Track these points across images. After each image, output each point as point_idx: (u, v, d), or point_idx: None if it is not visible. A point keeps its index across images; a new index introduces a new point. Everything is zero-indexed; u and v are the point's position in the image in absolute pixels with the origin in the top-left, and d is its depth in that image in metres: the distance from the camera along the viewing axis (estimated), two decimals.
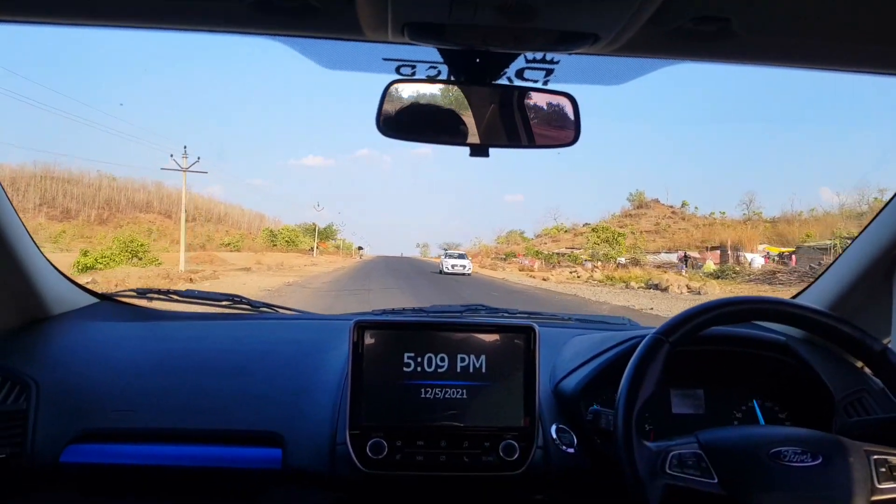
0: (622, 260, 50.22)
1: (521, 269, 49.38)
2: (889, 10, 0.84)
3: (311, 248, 63.40)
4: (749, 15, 0.85)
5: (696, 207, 75.57)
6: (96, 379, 1.38)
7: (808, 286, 1.63)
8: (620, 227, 65.89)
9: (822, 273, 1.58)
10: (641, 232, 67.39)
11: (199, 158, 36.10)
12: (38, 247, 1.46)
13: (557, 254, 62.65)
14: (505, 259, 64.21)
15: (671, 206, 77.45)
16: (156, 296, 1.77)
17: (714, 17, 0.85)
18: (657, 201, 79.15)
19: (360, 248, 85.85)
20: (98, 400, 1.33)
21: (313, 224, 72.20)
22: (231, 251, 50.88)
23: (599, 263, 48.90)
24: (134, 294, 1.77)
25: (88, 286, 1.78)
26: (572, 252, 62.10)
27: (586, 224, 76.72)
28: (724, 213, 71.62)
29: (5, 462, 1.23)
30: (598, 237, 56.82)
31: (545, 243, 74.92)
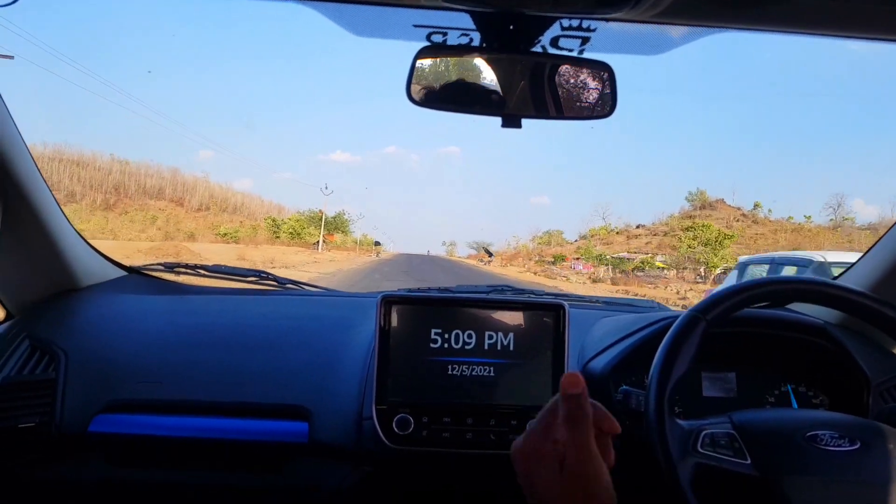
0: (720, 270, 38.29)
1: (601, 282, 35.08)
2: None
3: (317, 242, 52.87)
4: None
5: (769, 210, 65.20)
6: (124, 350, 1.39)
7: (849, 268, 1.57)
8: (683, 230, 55.74)
9: (863, 255, 1.52)
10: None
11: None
12: (68, 220, 1.48)
13: (623, 258, 50.39)
14: (554, 263, 51.38)
15: (739, 208, 66.82)
16: (183, 270, 1.78)
17: None
18: (722, 202, 68.12)
19: (377, 243, 69.56)
20: (126, 371, 1.34)
21: (319, 212, 59.34)
22: (227, 242, 45.55)
23: (690, 272, 39.67)
24: (162, 268, 1.78)
25: None
26: (647, 258, 49.99)
27: (640, 225, 68.17)
28: (809, 217, 62.67)
29: (34, 430, 1.25)
30: (694, 238, 45.29)
31: (594, 246, 63.11)
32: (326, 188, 64.41)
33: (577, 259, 52.83)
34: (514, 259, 58.18)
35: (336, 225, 62.28)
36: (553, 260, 53.77)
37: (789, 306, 1.55)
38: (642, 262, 47.69)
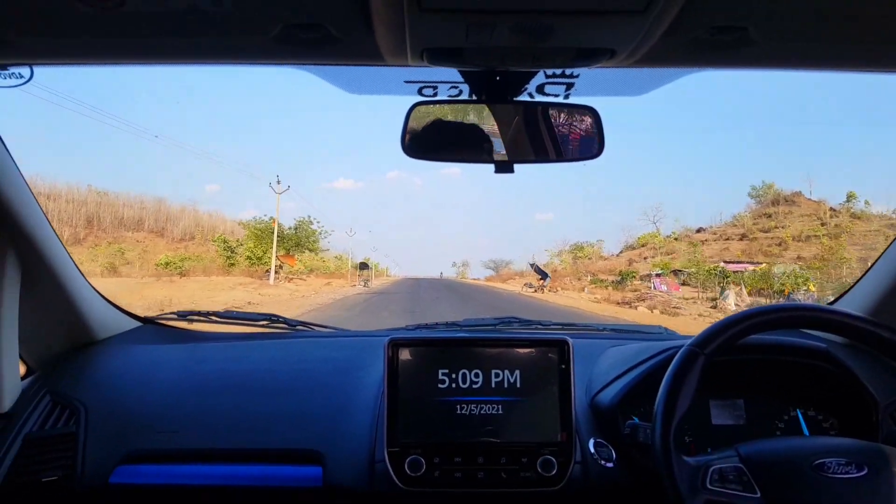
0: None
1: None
2: None
3: (272, 269, 34.76)
4: (766, 23, 0.85)
5: (866, 202, 46.16)
6: (141, 401, 1.43)
7: (847, 291, 1.58)
8: (764, 232, 46.63)
9: (861, 277, 1.54)
10: (805, 237, 43.44)
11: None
12: (82, 273, 1.53)
13: (723, 271, 35.32)
14: (622, 282, 38.06)
15: (821, 202, 49.89)
16: (196, 318, 1.83)
17: (731, 26, 0.85)
18: (800, 195, 52.39)
19: (362, 265, 48.18)
20: (143, 421, 1.38)
21: (271, 220, 37.91)
22: (169, 275, 33.18)
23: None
24: (175, 317, 1.83)
25: None
26: (763, 268, 34.64)
27: (701, 229, 54.70)
28: None
29: (57, 484, 1.28)
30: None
31: (643, 257, 51.25)
32: (279, 182, 37.14)
33: (658, 276, 39.03)
34: (559, 280, 43.64)
35: (298, 240, 40.41)
36: (620, 278, 39.92)
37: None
38: (762, 276, 32.95)
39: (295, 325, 1.87)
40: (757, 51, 0.93)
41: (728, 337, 1.08)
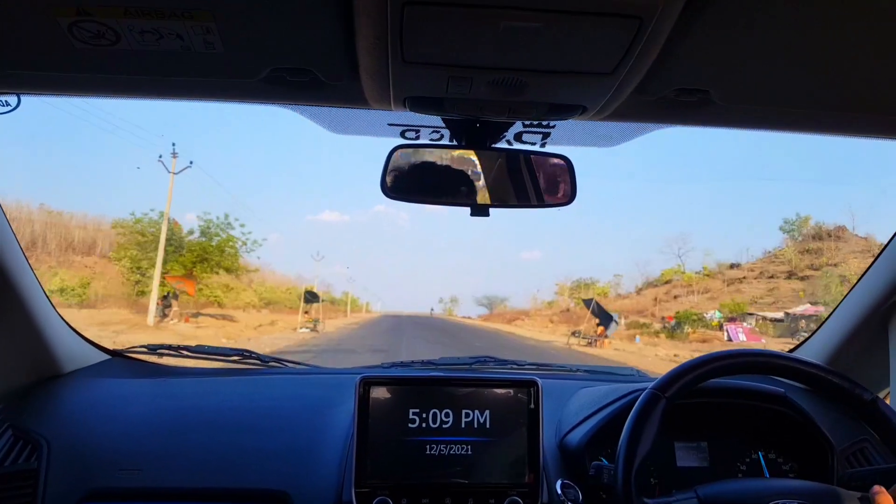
0: None
1: None
2: (854, 80, 0.90)
3: (166, 296, 23.48)
4: (725, 87, 0.92)
5: None
6: (106, 437, 1.39)
7: (807, 339, 1.64)
8: (814, 269, 42.08)
9: (820, 326, 1.59)
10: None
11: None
12: (51, 303, 1.50)
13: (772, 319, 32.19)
14: (678, 328, 33.42)
15: (868, 237, 45.07)
16: (166, 352, 1.80)
17: (693, 89, 0.91)
18: (844, 229, 47.65)
19: (309, 295, 34.49)
20: (107, 458, 1.34)
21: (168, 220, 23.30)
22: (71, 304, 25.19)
23: None
24: (145, 350, 1.80)
25: None
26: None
27: (736, 265, 49.12)
28: None
29: None
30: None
31: (672, 296, 46.24)
32: (175, 151, 24.13)
33: (731, 321, 33.98)
34: (576, 325, 35.04)
35: (204, 252, 24.55)
36: (676, 322, 34.93)
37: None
38: None
39: (267, 362, 1.85)
40: (719, 111, 1.00)
41: (688, 380, 1.11)
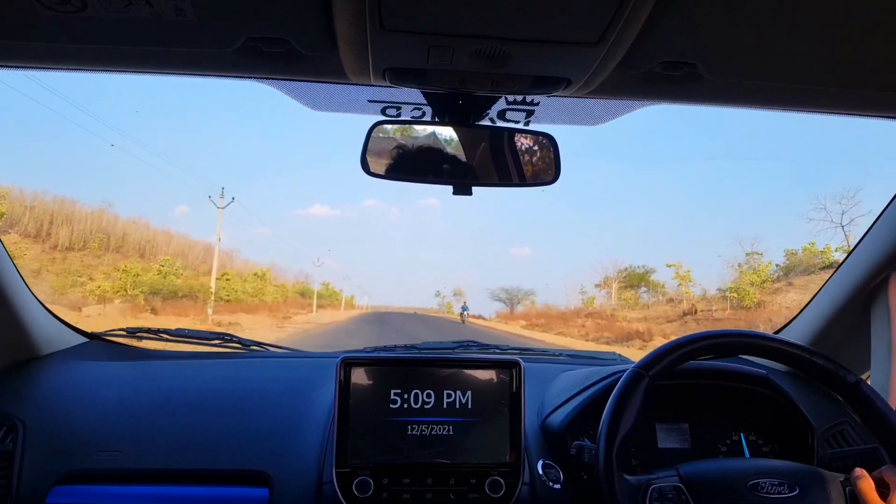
0: None
1: None
2: (848, 53, 0.88)
3: None
4: (713, 60, 0.90)
5: None
6: (83, 419, 1.38)
7: (791, 320, 1.64)
8: None
9: (804, 307, 1.60)
10: None
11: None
12: (27, 286, 1.48)
13: None
14: None
15: None
16: (146, 335, 1.77)
17: (680, 62, 0.89)
18: None
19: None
20: (85, 440, 1.32)
21: None
22: None
23: None
24: (124, 333, 1.77)
25: None
26: None
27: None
28: None
29: None
30: None
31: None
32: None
33: None
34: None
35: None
36: None
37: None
38: None
39: (248, 345, 1.83)
40: (706, 86, 0.98)
41: (672, 360, 1.11)
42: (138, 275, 33.03)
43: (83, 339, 1.73)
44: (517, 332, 29.22)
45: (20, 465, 1.27)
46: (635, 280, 40.43)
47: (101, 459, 1.29)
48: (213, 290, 32.14)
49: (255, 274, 47.12)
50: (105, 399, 1.44)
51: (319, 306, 52.70)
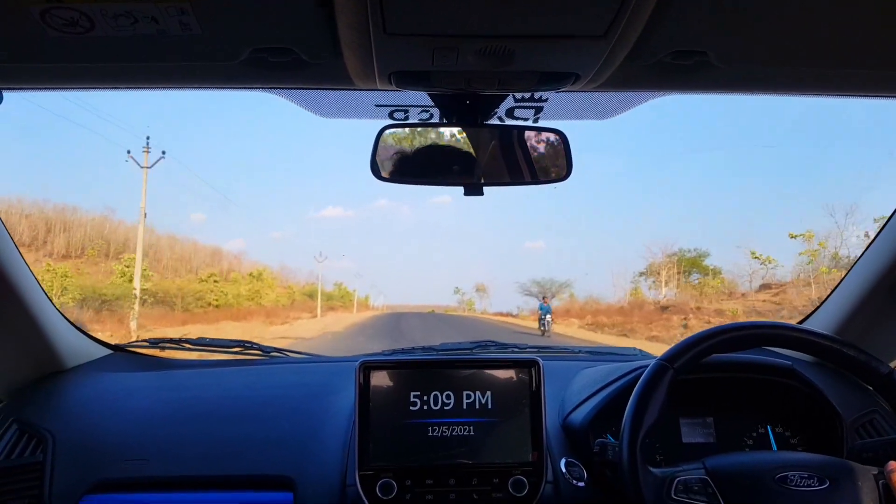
0: None
1: None
2: (859, 34, 0.86)
3: None
4: (724, 48, 0.88)
5: None
6: (110, 429, 1.40)
7: (815, 310, 1.61)
8: None
9: (828, 296, 1.57)
10: None
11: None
12: (51, 300, 1.50)
13: None
14: None
15: None
16: (168, 345, 1.80)
17: (691, 51, 0.88)
18: None
19: None
20: (112, 450, 1.35)
21: None
22: None
23: None
24: (146, 344, 1.80)
25: None
26: None
27: None
28: None
29: None
30: None
31: None
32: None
33: None
34: None
35: None
36: None
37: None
38: None
39: (269, 352, 1.85)
40: (718, 74, 0.96)
41: (697, 352, 1.10)
42: (67, 276, 28.54)
43: (107, 351, 1.76)
44: (593, 337, 21.00)
45: (51, 476, 1.29)
46: (687, 265, 34.70)
47: (129, 468, 1.31)
48: (136, 293, 25.16)
49: (251, 274, 43.00)
50: (130, 409, 1.46)
51: (330, 308, 49.50)
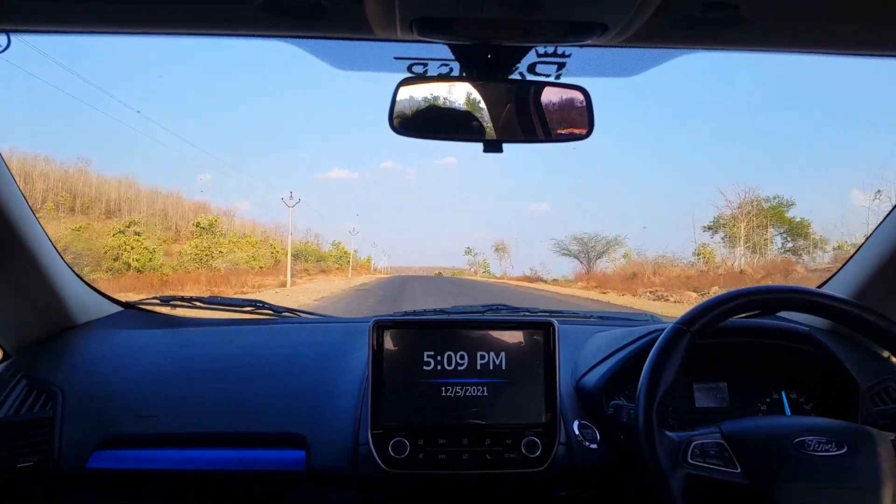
0: None
1: None
2: None
3: None
4: (758, 0, 0.84)
5: None
6: (120, 386, 1.41)
7: (833, 275, 1.59)
8: None
9: (847, 261, 1.55)
10: None
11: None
12: (62, 256, 1.49)
13: None
14: None
15: None
16: (179, 303, 1.80)
17: (722, 3, 0.84)
18: None
19: None
20: (122, 406, 1.36)
21: None
22: None
23: None
24: (158, 302, 1.80)
25: None
26: None
27: None
28: None
29: (33, 469, 1.26)
30: None
31: None
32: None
33: None
34: None
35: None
36: None
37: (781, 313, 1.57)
38: None
39: (280, 312, 1.85)
40: (750, 30, 0.92)
41: (714, 315, 1.08)
42: None
43: (118, 308, 1.76)
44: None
45: (60, 432, 1.30)
46: (775, 216, 27.34)
47: (139, 424, 1.32)
48: None
49: (197, 224, 35.36)
50: (141, 366, 1.46)
51: (322, 271, 43.67)
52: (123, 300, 1.80)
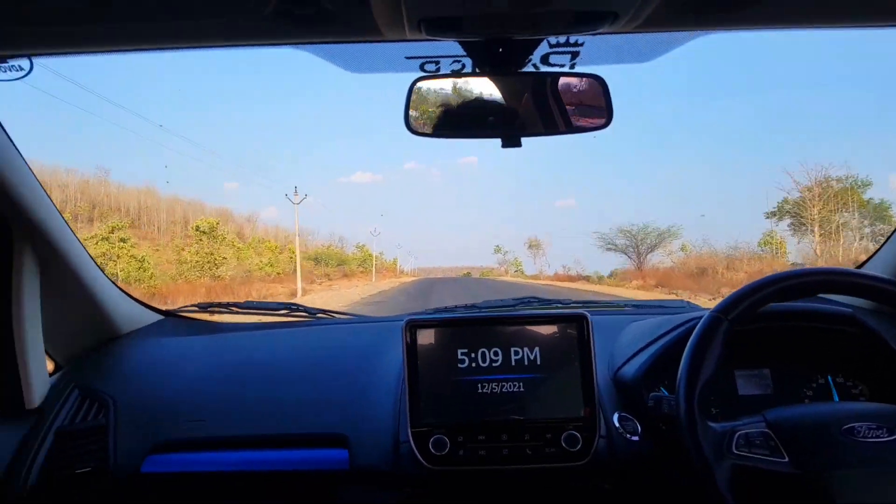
0: None
1: None
2: None
3: None
4: None
5: None
6: (168, 392, 1.45)
7: (873, 255, 1.53)
8: None
9: (886, 240, 1.49)
10: None
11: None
12: (101, 269, 1.55)
13: None
14: None
15: None
16: (217, 309, 1.85)
17: None
18: None
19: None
20: (171, 412, 1.40)
21: None
22: None
23: None
24: (196, 309, 1.85)
25: None
26: None
27: None
28: None
29: (91, 475, 1.31)
30: None
31: None
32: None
33: None
34: None
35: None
36: None
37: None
38: None
39: (315, 313, 1.88)
40: (765, 8, 0.90)
41: (752, 302, 1.06)
42: None
43: (158, 317, 1.81)
44: None
45: (114, 438, 1.36)
46: (846, 200, 23.44)
47: (188, 429, 1.36)
48: None
49: (196, 228, 32.78)
50: (185, 372, 1.51)
51: (345, 275, 42.31)
52: (164, 308, 1.86)
